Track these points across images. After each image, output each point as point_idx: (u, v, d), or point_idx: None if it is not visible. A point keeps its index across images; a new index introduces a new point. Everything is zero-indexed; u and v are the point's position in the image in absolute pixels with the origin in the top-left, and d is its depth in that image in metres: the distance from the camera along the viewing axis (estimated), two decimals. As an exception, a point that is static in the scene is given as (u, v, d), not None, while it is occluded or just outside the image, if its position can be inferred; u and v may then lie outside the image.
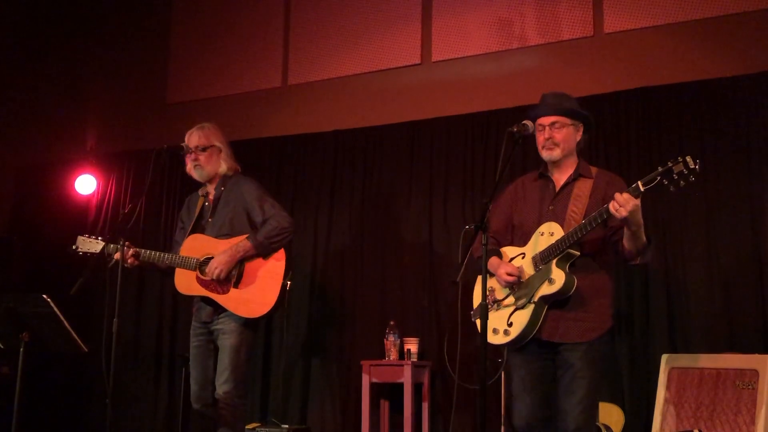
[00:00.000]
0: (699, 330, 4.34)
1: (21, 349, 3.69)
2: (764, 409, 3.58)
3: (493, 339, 3.19)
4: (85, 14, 6.81)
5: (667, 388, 4.00)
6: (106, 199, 6.37)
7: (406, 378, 4.73)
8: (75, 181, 6.36)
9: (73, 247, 4.13)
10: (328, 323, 5.38)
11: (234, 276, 3.87)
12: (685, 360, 4.04)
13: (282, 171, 5.76)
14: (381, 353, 4.97)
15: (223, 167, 4.04)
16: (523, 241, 3.26)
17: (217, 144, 4.04)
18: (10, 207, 6.72)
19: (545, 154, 3.27)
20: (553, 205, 3.23)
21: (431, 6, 5.50)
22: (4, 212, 6.69)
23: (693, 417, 3.86)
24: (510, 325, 3.15)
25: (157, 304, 5.90)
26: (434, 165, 5.29)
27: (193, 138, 4.03)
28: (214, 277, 3.83)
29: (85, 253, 4.09)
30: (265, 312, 3.85)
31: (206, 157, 4.00)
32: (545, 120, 3.24)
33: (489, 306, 3.21)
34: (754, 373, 3.69)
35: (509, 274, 3.17)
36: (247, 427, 4.57)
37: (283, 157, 5.79)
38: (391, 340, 4.91)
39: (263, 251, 3.87)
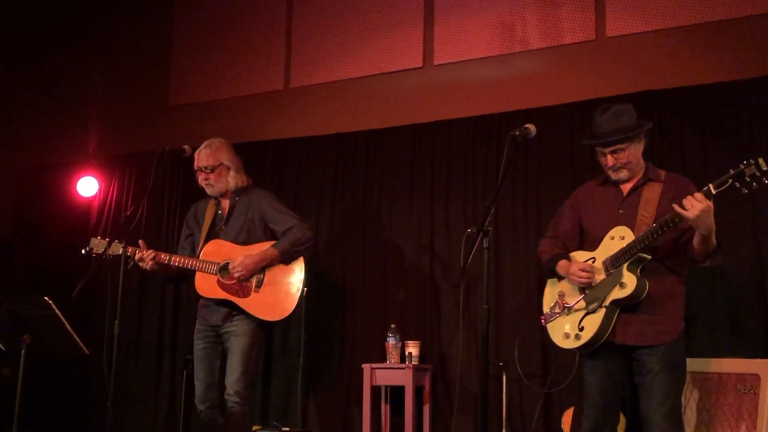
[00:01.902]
0: (700, 334, 4.32)
1: (22, 351, 3.70)
2: (766, 414, 3.57)
3: (564, 343, 3.23)
4: (88, 17, 6.82)
5: (669, 392, 3.99)
6: (108, 202, 6.36)
7: (408, 381, 4.72)
8: (77, 183, 6.35)
9: (88, 248, 4.13)
10: (329, 326, 5.37)
11: (255, 280, 3.94)
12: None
13: (283, 174, 5.76)
14: (382, 356, 4.96)
15: (231, 184, 4.13)
16: (593, 246, 3.26)
17: (225, 162, 4.13)
18: (12, 209, 6.73)
19: (614, 176, 3.26)
20: (623, 210, 3.22)
21: (433, 9, 5.50)
22: (6, 214, 6.69)
23: (694, 422, 3.85)
24: (581, 329, 3.15)
25: (158, 307, 5.89)
26: (436, 168, 5.29)
27: (201, 157, 4.12)
28: (236, 276, 3.88)
29: (99, 255, 4.09)
30: (284, 316, 3.97)
31: (216, 176, 4.11)
32: (606, 148, 3.23)
33: (560, 311, 3.25)
34: (756, 378, 3.67)
35: (583, 270, 3.16)
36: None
37: (285, 160, 5.78)
38: (392, 343, 4.90)
39: (288, 258, 3.99)
